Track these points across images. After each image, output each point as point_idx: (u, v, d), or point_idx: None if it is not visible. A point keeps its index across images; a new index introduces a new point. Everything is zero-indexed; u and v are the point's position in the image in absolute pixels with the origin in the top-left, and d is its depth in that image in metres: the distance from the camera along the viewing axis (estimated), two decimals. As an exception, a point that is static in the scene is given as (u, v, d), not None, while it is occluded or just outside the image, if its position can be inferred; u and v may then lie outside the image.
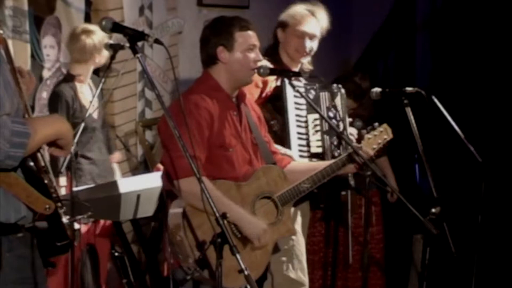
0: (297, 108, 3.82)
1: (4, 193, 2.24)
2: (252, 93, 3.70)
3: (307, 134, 3.83)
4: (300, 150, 3.79)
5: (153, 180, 3.89)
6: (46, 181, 2.30)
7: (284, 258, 3.81)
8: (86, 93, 4.43)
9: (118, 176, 4.64)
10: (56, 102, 4.30)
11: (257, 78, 3.58)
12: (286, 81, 3.67)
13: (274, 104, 3.83)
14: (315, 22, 3.93)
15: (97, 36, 4.30)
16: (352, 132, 3.83)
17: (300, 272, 3.89)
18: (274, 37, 3.98)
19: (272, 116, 3.82)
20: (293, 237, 3.87)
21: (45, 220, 2.30)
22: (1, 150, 2.12)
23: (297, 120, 3.81)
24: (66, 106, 4.28)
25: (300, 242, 3.93)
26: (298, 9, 3.94)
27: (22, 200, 2.25)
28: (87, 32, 4.34)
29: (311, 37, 3.91)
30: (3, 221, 2.24)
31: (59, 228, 2.33)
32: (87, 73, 4.41)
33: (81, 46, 4.33)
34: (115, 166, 4.74)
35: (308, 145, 3.80)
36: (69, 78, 4.41)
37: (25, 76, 2.47)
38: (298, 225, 3.95)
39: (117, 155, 4.79)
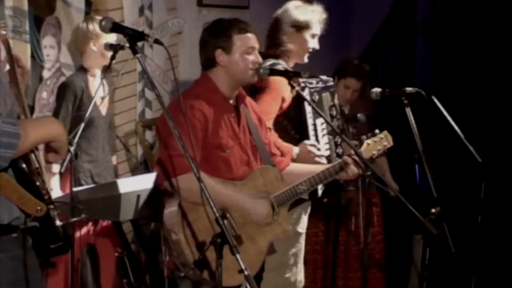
0: (309, 118, 3.83)
1: None
2: (278, 104, 3.74)
3: (317, 138, 3.84)
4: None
5: (153, 180, 3.88)
6: (38, 183, 2.28)
7: (290, 262, 3.82)
8: (98, 88, 4.36)
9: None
10: (63, 92, 4.26)
11: (282, 92, 3.62)
12: (303, 93, 3.64)
13: (291, 114, 3.85)
14: None
15: (91, 22, 4.30)
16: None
17: (298, 274, 3.90)
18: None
19: (291, 126, 3.84)
20: (301, 241, 3.88)
21: (37, 222, 2.28)
22: None
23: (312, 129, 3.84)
24: (73, 96, 4.23)
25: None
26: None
27: (13, 201, 2.23)
28: (85, 20, 4.41)
29: None
30: None
31: (52, 230, 2.31)
32: (93, 65, 4.38)
33: (75, 31, 4.41)
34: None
35: (319, 150, 3.81)
36: (82, 70, 4.40)
37: (22, 65, 2.45)
38: (303, 228, 3.95)
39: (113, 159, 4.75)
